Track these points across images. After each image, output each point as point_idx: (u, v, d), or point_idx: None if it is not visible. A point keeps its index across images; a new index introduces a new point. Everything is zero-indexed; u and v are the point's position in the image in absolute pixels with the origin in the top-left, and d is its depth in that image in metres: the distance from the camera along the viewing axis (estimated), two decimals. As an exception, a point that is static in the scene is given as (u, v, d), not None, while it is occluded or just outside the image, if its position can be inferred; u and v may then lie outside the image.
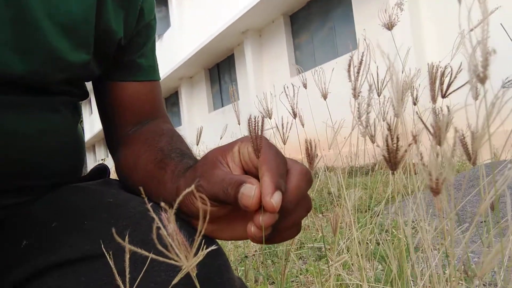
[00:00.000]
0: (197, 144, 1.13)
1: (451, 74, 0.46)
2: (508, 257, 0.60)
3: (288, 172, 0.41)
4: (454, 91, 0.45)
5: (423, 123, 0.34)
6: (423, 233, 0.68)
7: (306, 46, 8.74)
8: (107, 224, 0.44)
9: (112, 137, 0.66)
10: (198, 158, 0.48)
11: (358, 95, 0.47)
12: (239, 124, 0.91)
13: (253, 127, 0.38)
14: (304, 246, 1.66)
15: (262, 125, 0.38)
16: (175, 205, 0.26)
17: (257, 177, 0.40)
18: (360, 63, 0.46)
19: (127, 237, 0.30)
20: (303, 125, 0.88)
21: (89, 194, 0.52)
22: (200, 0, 10.77)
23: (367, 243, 1.05)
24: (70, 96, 0.60)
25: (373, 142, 0.55)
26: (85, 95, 0.65)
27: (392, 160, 0.29)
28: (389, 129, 0.28)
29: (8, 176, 0.51)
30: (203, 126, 1.46)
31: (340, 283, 0.99)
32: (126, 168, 0.58)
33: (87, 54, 0.54)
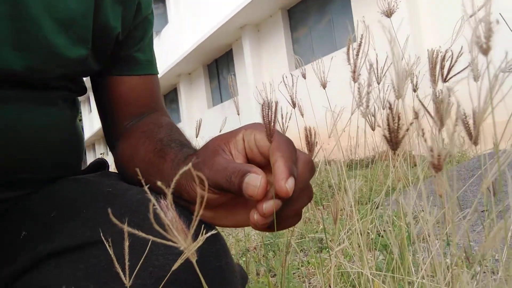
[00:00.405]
0: (197, 137, 1.12)
1: (452, 58, 0.46)
2: (510, 245, 0.60)
3: None
4: (455, 75, 0.45)
5: (423, 106, 0.33)
6: (424, 222, 0.68)
7: (304, 39, 8.71)
8: (105, 212, 0.44)
9: (111, 131, 0.66)
10: (198, 149, 0.48)
11: (358, 78, 0.46)
12: (238, 114, 0.90)
13: (266, 112, 0.37)
14: (305, 238, 1.66)
15: (276, 110, 0.38)
16: (172, 184, 0.26)
17: (261, 165, 0.40)
18: (359, 45, 0.45)
19: (126, 222, 0.30)
20: (302, 115, 0.87)
21: (87, 185, 0.52)
22: (198, -5, 10.73)
23: (368, 233, 1.05)
24: (69, 91, 0.60)
25: (373, 128, 0.55)
26: (84, 91, 0.65)
27: (394, 139, 0.29)
28: (390, 107, 0.28)
29: (8, 169, 0.51)
30: (202, 122, 1.45)
31: (341, 272, 0.99)
32: (125, 160, 0.58)
33: (85, 49, 0.54)
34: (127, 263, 0.31)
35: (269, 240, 1.73)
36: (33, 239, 0.46)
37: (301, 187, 0.40)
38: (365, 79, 0.41)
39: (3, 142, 0.49)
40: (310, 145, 0.49)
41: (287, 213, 0.41)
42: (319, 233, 1.69)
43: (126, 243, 0.30)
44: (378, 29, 0.43)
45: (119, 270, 0.32)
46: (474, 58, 0.26)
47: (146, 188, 0.28)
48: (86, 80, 0.68)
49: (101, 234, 0.39)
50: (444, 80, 0.45)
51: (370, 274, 0.72)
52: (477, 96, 0.28)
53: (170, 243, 0.26)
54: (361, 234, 0.79)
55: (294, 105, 0.81)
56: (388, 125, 0.29)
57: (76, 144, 0.63)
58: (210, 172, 0.39)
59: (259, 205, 0.38)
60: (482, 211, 1.60)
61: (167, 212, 0.28)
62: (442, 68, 0.46)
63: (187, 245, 0.26)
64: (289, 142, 0.40)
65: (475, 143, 0.27)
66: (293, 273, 1.41)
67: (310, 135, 0.49)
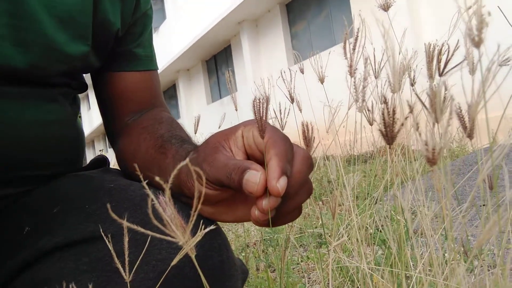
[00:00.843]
0: (195, 133, 1.12)
1: (448, 52, 0.46)
2: (508, 239, 0.61)
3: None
4: (451, 69, 0.45)
5: (420, 100, 0.34)
6: (422, 217, 0.68)
7: (303, 34, 8.69)
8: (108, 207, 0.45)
9: (112, 127, 0.66)
10: (198, 145, 0.48)
11: (354, 73, 0.46)
12: (236, 110, 0.91)
13: (258, 108, 0.38)
14: (305, 233, 1.67)
15: (267, 106, 0.38)
16: (170, 180, 0.26)
17: (260, 161, 0.40)
18: (356, 39, 0.46)
19: (128, 217, 0.31)
20: (300, 110, 0.87)
21: (89, 181, 0.53)
22: (196, -9, 10.69)
23: (367, 227, 1.05)
24: (69, 88, 0.60)
25: (370, 124, 0.55)
26: (84, 88, 0.65)
27: (389, 134, 0.29)
28: (385, 101, 0.28)
29: (9, 166, 0.52)
30: (201, 118, 1.45)
31: (340, 267, 1.00)
32: (126, 156, 0.58)
33: (85, 46, 0.54)
34: (126, 258, 0.31)
35: (268, 236, 1.73)
36: (36, 234, 0.47)
37: (300, 182, 0.40)
38: (362, 73, 0.41)
39: (4, 139, 0.49)
40: (308, 140, 0.50)
41: (287, 208, 0.41)
42: (318, 228, 1.69)
43: (126, 238, 0.31)
44: (376, 23, 0.44)
45: (119, 265, 0.32)
46: (469, 51, 0.26)
47: (144, 183, 0.28)
48: (86, 77, 0.69)
49: (104, 229, 0.40)
50: (441, 74, 0.45)
51: (369, 269, 0.73)
52: (471, 90, 0.28)
53: (168, 238, 0.26)
54: (359, 229, 0.79)
55: (292, 100, 0.81)
56: (384, 119, 0.29)
57: (77, 140, 0.63)
58: (210, 168, 0.40)
59: (259, 201, 0.38)
60: (481, 206, 1.61)
61: (166, 207, 0.28)
62: (439, 62, 0.46)
63: (186, 240, 0.26)
64: (284, 139, 0.40)
65: (470, 136, 0.28)
66: (293, 268, 1.42)
67: (308, 130, 0.49)
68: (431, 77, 0.45)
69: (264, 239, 1.73)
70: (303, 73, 0.90)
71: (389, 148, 0.30)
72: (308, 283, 1.27)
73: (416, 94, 0.35)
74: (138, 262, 0.38)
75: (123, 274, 0.32)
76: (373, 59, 0.67)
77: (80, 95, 0.68)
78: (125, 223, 0.28)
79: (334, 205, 0.61)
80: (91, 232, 0.43)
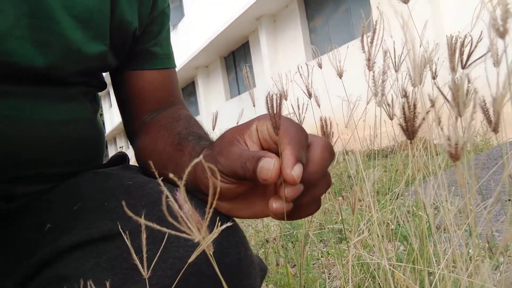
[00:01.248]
0: (213, 129, 1.13)
1: (471, 44, 0.44)
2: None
3: (310, 145, 0.40)
4: (474, 61, 0.44)
5: (442, 93, 0.33)
6: (445, 212, 0.67)
7: (321, 29, 8.61)
8: (127, 204, 0.45)
9: (131, 125, 0.67)
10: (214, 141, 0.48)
11: (373, 66, 0.45)
12: (254, 106, 0.90)
13: (271, 105, 0.37)
14: (325, 229, 1.66)
15: (280, 103, 0.38)
16: (185, 176, 0.26)
17: (276, 154, 0.40)
18: (374, 32, 0.44)
19: (146, 216, 0.31)
20: (319, 106, 0.86)
21: (108, 178, 0.53)
22: (213, -13, 10.71)
23: (388, 223, 1.04)
24: (88, 87, 0.61)
25: (390, 118, 0.54)
26: (103, 86, 0.66)
27: (410, 129, 0.28)
28: (406, 95, 0.27)
29: (30, 164, 0.53)
30: (220, 114, 1.46)
31: (361, 263, 0.99)
32: (144, 153, 0.59)
33: (103, 45, 0.55)
34: (145, 255, 0.32)
35: (288, 231, 1.73)
36: (56, 232, 0.47)
37: (320, 171, 0.39)
38: (381, 68, 0.40)
39: (25, 138, 0.50)
40: (327, 136, 0.49)
41: (306, 199, 0.40)
42: (338, 224, 1.68)
43: (144, 235, 0.31)
44: (395, 15, 0.42)
45: (137, 262, 0.32)
46: (493, 43, 0.25)
47: (159, 180, 0.28)
48: (106, 75, 0.69)
49: (122, 226, 0.40)
50: (463, 67, 0.44)
51: (390, 265, 0.72)
52: (496, 82, 0.27)
53: (184, 235, 0.26)
54: (380, 225, 0.78)
55: (310, 96, 0.80)
56: (404, 114, 0.28)
57: (97, 138, 0.64)
58: (226, 161, 0.39)
59: (280, 191, 0.38)
60: (507, 200, 1.57)
61: (183, 204, 0.28)
62: (461, 54, 0.45)
63: (202, 237, 0.26)
64: (299, 129, 0.40)
65: (495, 130, 0.27)
66: (313, 264, 1.41)
67: (326, 125, 0.48)
68: (453, 70, 0.43)
69: (284, 234, 1.73)
70: (321, 68, 0.89)
71: (410, 143, 0.29)
72: (329, 279, 1.27)
73: (438, 88, 0.34)
74: (156, 259, 0.38)
75: (142, 271, 0.32)
76: (393, 52, 0.65)
77: (101, 93, 0.69)
78: (143, 221, 0.28)
79: (354, 201, 0.60)
80: (110, 230, 0.44)
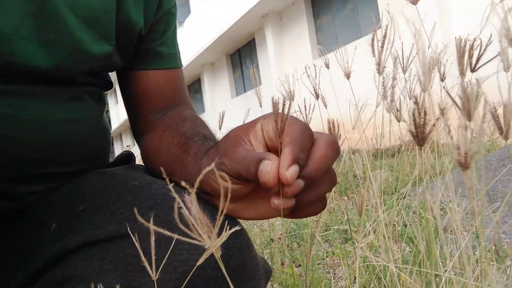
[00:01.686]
0: (220, 129, 1.13)
1: (481, 47, 0.44)
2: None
3: (315, 142, 0.40)
4: (484, 64, 0.43)
5: (451, 97, 0.32)
6: (452, 214, 0.67)
7: (327, 27, 8.57)
8: (132, 206, 0.45)
9: (137, 125, 0.67)
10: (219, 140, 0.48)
11: (383, 71, 0.45)
12: (260, 106, 0.90)
13: (276, 109, 0.37)
14: (330, 229, 1.65)
15: (289, 108, 0.37)
16: (196, 184, 0.26)
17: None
18: (384, 36, 0.44)
19: (151, 218, 0.31)
20: (325, 106, 0.86)
21: (114, 178, 0.53)
22: (220, -15, 10.69)
23: (394, 224, 1.03)
24: (95, 86, 0.61)
25: (398, 120, 0.53)
26: (109, 86, 0.66)
27: (420, 135, 0.28)
28: (416, 102, 0.27)
29: (36, 163, 0.53)
30: (226, 112, 1.45)
31: (367, 265, 0.98)
32: (150, 153, 0.59)
33: (109, 45, 0.55)
34: (153, 257, 0.32)
35: (293, 231, 1.73)
36: (61, 232, 0.47)
37: (322, 168, 0.39)
38: (390, 71, 0.40)
39: (31, 137, 0.50)
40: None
41: (309, 197, 0.40)
42: (344, 224, 1.68)
43: (153, 238, 0.31)
44: (402, 14, 0.42)
45: (146, 264, 0.32)
46: (504, 48, 0.25)
47: (169, 183, 0.28)
48: (112, 73, 0.69)
49: (128, 228, 0.40)
50: (473, 70, 0.44)
51: (396, 267, 0.72)
52: (507, 88, 0.27)
53: (195, 241, 0.26)
54: (387, 226, 0.78)
55: (317, 97, 0.80)
56: (414, 120, 0.28)
57: (103, 137, 0.64)
58: (231, 162, 0.39)
59: (282, 188, 0.38)
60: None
61: (191, 209, 0.28)
62: (470, 57, 0.45)
63: (212, 244, 0.26)
64: (303, 128, 0.39)
65: (506, 137, 0.26)
66: (318, 264, 1.41)
67: (333, 127, 0.48)
68: (462, 73, 0.43)
69: (289, 234, 1.73)
70: (328, 68, 0.88)
71: (420, 149, 0.29)
72: (334, 279, 1.27)
73: (447, 92, 0.34)
74: (163, 262, 0.38)
75: (150, 272, 0.33)
76: (401, 53, 0.65)
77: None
78: (151, 226, 0.28)
79: (361, 203, 0.60)
80: (115, 231, 0.44)
